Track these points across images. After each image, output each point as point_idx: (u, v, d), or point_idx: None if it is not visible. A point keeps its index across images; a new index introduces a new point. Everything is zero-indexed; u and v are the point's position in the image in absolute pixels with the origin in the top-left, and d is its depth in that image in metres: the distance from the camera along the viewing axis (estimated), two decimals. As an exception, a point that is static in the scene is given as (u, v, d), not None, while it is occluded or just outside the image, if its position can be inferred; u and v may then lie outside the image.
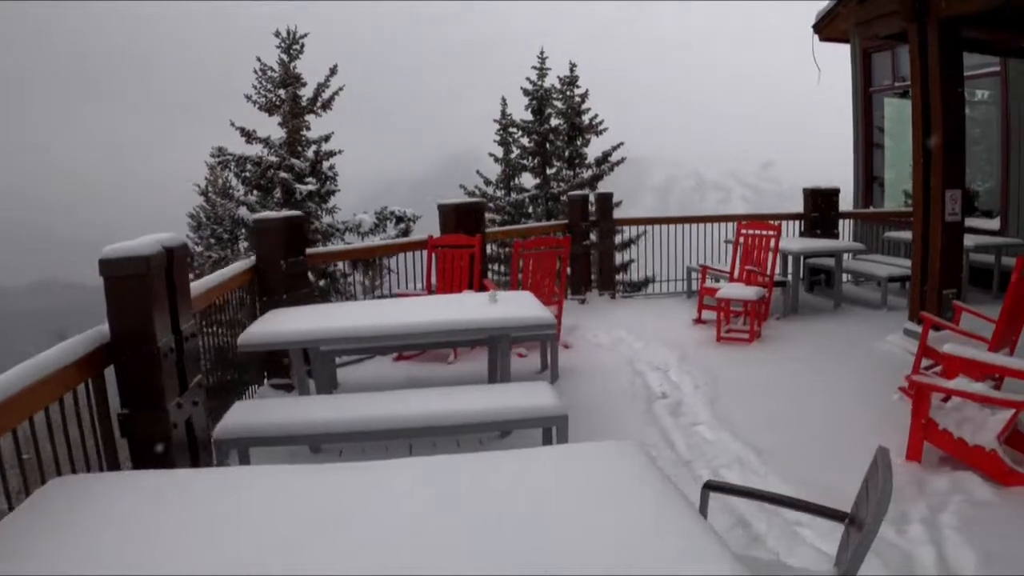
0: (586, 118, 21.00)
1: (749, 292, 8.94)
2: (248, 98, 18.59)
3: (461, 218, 9.73)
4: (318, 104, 18.78)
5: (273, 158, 18.16)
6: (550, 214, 20.28)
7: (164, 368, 4.23)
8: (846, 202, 15.42)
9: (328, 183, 18.74)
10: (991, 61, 12.00)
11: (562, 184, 20.32)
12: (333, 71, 18.78)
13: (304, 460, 5.75)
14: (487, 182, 21.53)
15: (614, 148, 21.07)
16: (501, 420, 5.42)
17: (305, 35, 18.67)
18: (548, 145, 21.01)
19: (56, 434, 3.70)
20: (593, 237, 12.35)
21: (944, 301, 8.05)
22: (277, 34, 18.52)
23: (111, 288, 4.08)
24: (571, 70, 21.04)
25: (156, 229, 4.61)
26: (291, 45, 18.59)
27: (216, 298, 6.58)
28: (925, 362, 6.75)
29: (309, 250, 8.54)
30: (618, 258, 19.68)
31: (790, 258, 10.67)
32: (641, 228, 16.94)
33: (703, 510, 3.27)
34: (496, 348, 6.77)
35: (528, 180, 21.38)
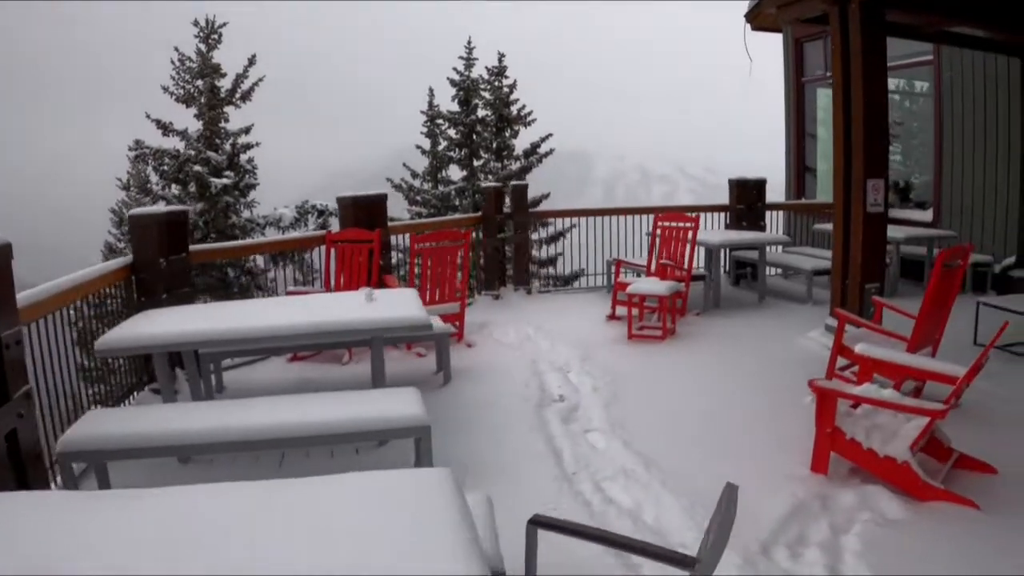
0: (514, 109, 20.40)
1: (661, 287, 8.40)
2: (165, 89, 17.73)
3: (360, 212, 9.20)
4: (237, 96, 18.00)
5: (190, 151, 17.40)
6: (476, 207, 19.69)
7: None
8: (778, 193, 15.10)
9: (247, 176, 17.97)
10: (925, 49, 11.67)
11: (490, 176, 19.74)
12: (251, 62, 17.94)
13: (172, 472, 5.39)
14: (414, 175, 20.84)
15: (543, 139, 20.42)
16: (360, 431, 4.92)
17: (224, 24, 17.82)
18: (475, 136, 20.31)
19: None
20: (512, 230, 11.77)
21: (866, 296, 7.62)
22: (196, 23, 17.71)
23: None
24: (499, 60, 20.33)
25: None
26: (209, 35, 17.76)
27: (78, 299, 6.11)
28: (842, 362, 6.27)
29: (194, 247, 7.99)
30: (546, 252, 19.28)
31: (711, 251, 10.18)
32: (572, 221, 16.62)
33: (531, 551, 2.73)
34: (376, 349, 6.19)
35: (456, 173, 20.76)
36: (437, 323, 7.48)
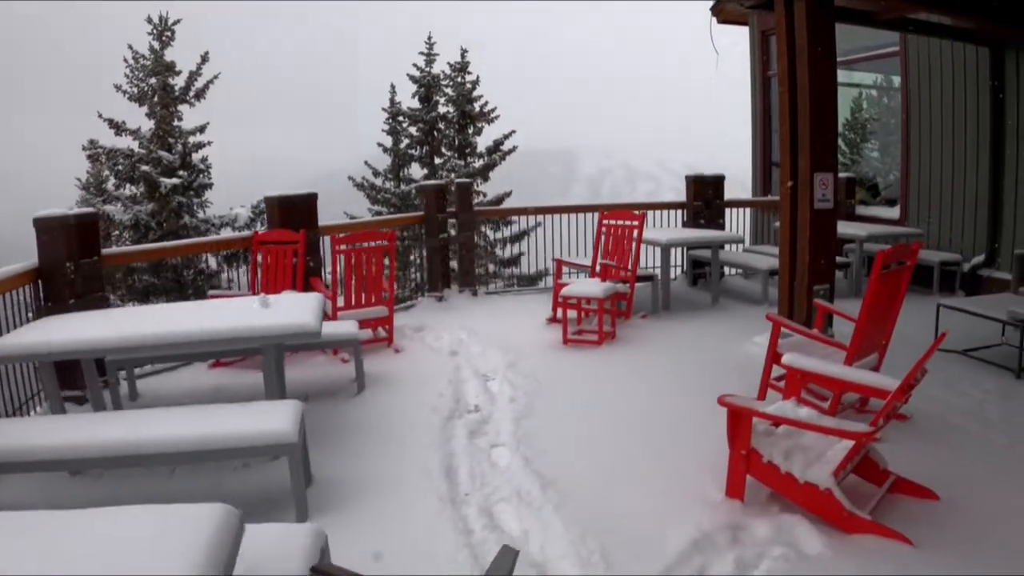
0: (477, 105, 19.83)
1: (597, 289, 7.83)
2: (118, 88, 17.20)
3: (287, 212, 8.73)
4: (191, 94, 17.46)
5: (142, 151, 16.85)
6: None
7: None
8: (745, 189, 14.60)
9: (201, 176, 17.40)
10: (891, 40, 11.20)
11: (451, 174, 19.17)
12: (204, 59, 17.48)
13: (61, 484, 5.11)
14: (376, 173, 20.27)
15: (506, 136, 19.84)
16: (224, 449, 4.43)
17: (177, 21, 17.30)
18: (436, 133, 19.76)
19: None
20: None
21: (815, 298, 7.09)
22: (149, 20, 17.15)
23: None
24: (462, 56, 19.79)
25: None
26: (162, 32, 17.22)
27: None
28: (778, 370, 5.73)
29: (107, 251, 7.47)
30: (509, 251, 18.75)
31: (659, 250, 9.63)
32: (538, 219, 16.04)
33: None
34: (267, 358, 5.62)
35: (418, 171, 20.19)
36: (348, 329, 6.91)
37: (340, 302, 8.10)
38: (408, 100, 20.01)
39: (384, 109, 20.04)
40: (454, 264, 11.38)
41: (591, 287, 7.91)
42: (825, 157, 6.99)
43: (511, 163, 20.25)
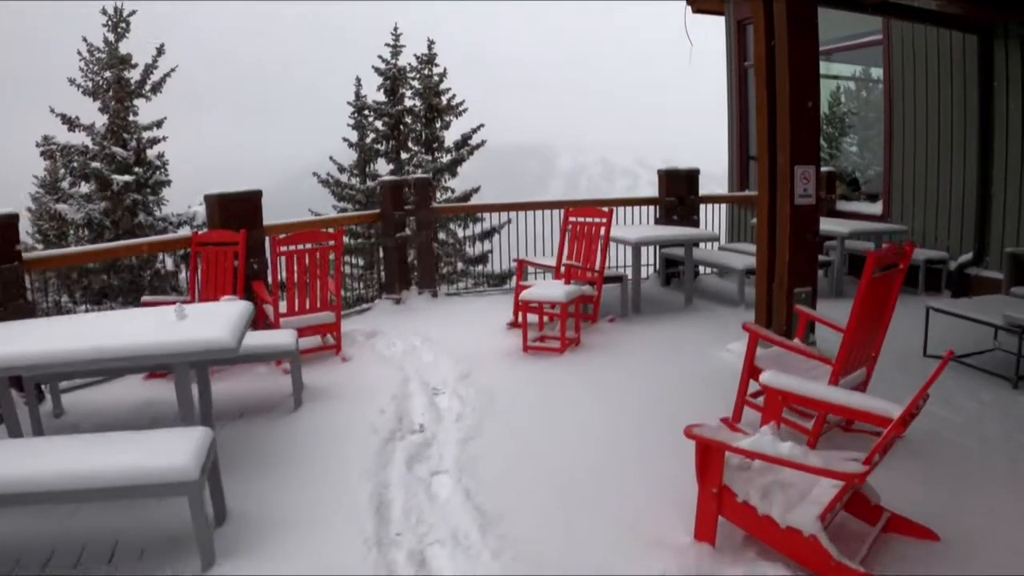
0: (445, 99, 19.16)
1: (559, 292, 7.20)
2: (72, 81, 16.51)
3: (227, 211, 8.11)
4: (147, 87, 16.78)
5: (96, 147, 16.16)
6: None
7: None
8: (722, 185, 14.05)
9: (157, 173, 16.71)
10: (874, 28, 10.69)
11: (418, 170, 18.49)
12: (160, 51, 16.85)
13: None
14: (341, 169, 19.58)
15: (474, 130, 19.10)
16: (113, 487, 3.78)
17: (132, 12, 16.62)
18: (403, 127, 19.06)
19: None
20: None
21: (796, 302, 6.51)
22: (104, 12, 16.47)
23: None
24: (429, 47, 19.09)
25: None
26: (117, 24, 16.54)
27: None
28: (756, 385, 5.13)
29: (28, 255, 6.82)
30: (479, 248, 18.15)
31: (629, 249, 9.03)
32: (508, 215, 15.41)
33: None
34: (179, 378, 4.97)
35: (385, 167, 19.48)
36: (283, 340, 6.27)
37: (283, 308, 7.46)
38: (374, 93, 19.36)
39: (349, 103, 19.35)
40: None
41: (553, 290, 7.30)
42: (806, 148, 6.42)
43: (488, 158, 19.69)
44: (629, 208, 11.14)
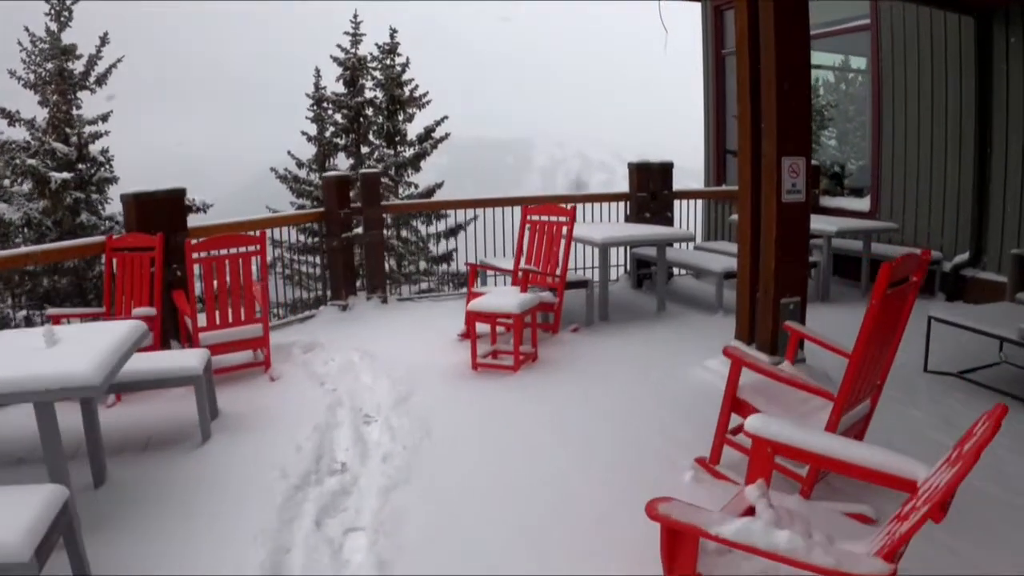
0: (407, 90, 18.27)
1: (512, 302, 6.30)
2: (12, 73, 15.58)
3: (145, 212, 7.29)
4: (91, 79, 15.89)
5: (35, 143, 15.27)
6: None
7: None
8: (698, 180, 13.29)
9: (101, 170, 15.77)
10: (861, 12, 9.98)
11: (379, 164, 17.59)
12: (104, 40, 15.98)
13: None
14: (299, 164, 18.68)
15: (437, 123, 18.25)
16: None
17: (75, 1, 15.70)
18: (363, 120, 18.17)
19: None
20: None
21: (784, 314, 5.71)
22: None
23: None
24: (391, 36, 18.23)
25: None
26: (60, 13, 15.62)
27: None
28: (736, 418, 4.30)
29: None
30: (442, 247, 17.35)
31: (596, 250, 8.20)
32: (471, 213, 14.62)
33: None
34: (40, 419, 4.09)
35: (344, 161, 18.61)
36: (184, 363, 5.36)
37: (203, 321, 6.57)
38: (333, 85, 18.48)
39: (308, 95, 18.46)
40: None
41: (506, 299, 6.41)
42: (796, 137, 5.59)
43: (461, 153, 18.92)
44: (597, 204, 10.31)
